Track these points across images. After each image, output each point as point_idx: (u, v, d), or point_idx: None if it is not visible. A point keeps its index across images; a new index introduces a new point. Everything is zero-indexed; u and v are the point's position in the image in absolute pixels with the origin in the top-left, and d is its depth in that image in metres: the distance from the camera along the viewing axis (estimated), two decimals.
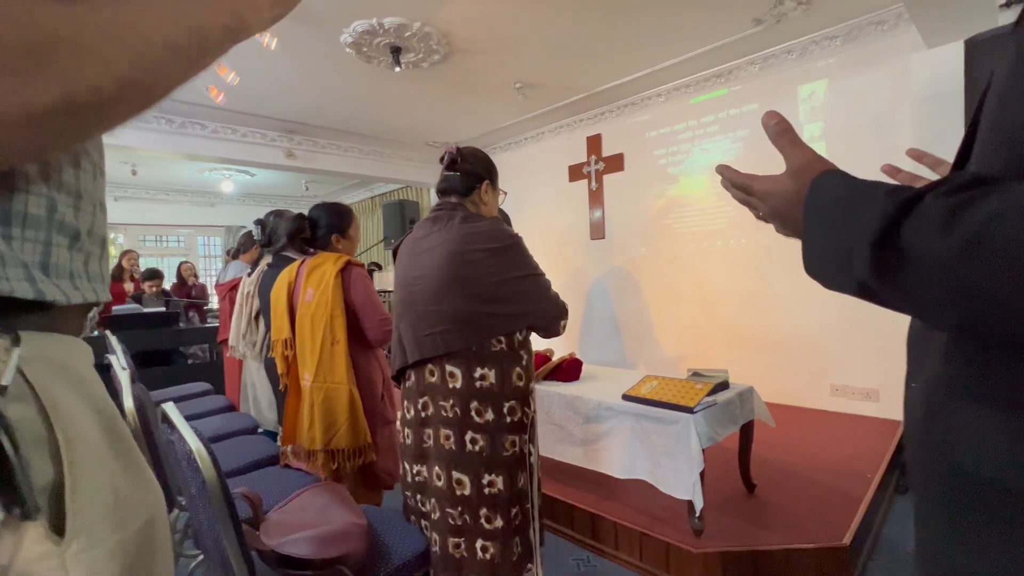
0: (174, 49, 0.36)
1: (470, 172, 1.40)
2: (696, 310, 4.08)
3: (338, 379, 1.70)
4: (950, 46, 2.67)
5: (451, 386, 1.28)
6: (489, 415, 1.27)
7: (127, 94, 0.34)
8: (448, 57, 3.35)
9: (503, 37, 3.14)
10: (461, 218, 1.33)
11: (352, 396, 1.70)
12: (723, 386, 2.11)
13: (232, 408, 2.90)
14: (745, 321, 3.78)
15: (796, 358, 3.52)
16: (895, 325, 2.87)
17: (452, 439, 1.28)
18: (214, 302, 6.41)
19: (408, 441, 1.38)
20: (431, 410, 1.32)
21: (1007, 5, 2.63)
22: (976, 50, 2.24)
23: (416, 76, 3.63)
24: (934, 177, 0.69)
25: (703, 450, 1.80)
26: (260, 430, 2.56)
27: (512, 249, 1.32)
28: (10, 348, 0.34)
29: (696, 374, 2.23)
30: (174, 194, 7.84)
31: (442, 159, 1.43)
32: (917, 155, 0.65)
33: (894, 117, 3.07)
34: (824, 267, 0.42)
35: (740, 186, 0.53)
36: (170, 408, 1.05)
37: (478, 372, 1.27)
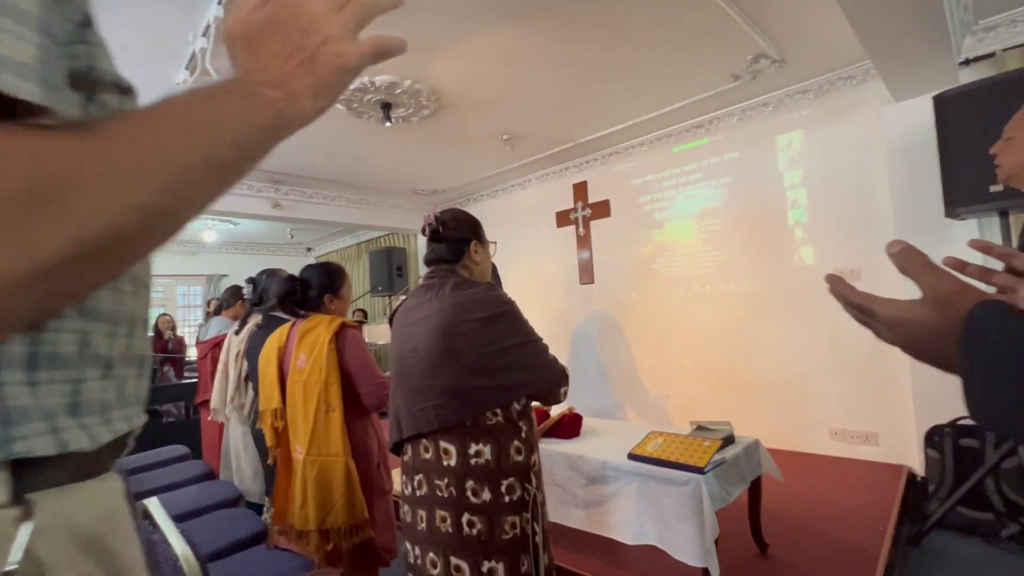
0: (213, 166, 0.32)
1: (456, 238, 1.35)
2: (687, 355, 4.06)
3: (334, 451, 1.60)
4: (918, 99, 2.82)
5: (445, 464, 1.20)
6: (486, 495, 1.18)
7: (155, 224, 0.30)
8: (437, 112, 3.42)
9: (491, 93, 3.22)
10: (452, 286, 1.29)
11: (349, 469, 1.59)
12: (729, 440, 2.06)
13: (211, 475, 2.72)
14: (737, 365, 3.77)
15: (792, 402, 3.49)
16: (890, 368, 2.86)
17: (449, 521, 1.18)
18: (192, 354, 6.18)
19: (408, 519, 1.29)
20: (425, 489, 1.23)
21: (966, 63, 2.81)
22: (946, 105, 2.36)
23: (406, 129, 3.68)
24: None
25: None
26: (243, 501, 2.40)
27: (506, 316, 1.26)
28: (19, 522, 0.30)
29: (700, 428, 2.17)
30: None
31: (423, 231, 1.38)
32: (984, 247, 0.60)
33: (869, 165, 3.19)
34: (1013, 418, 0.37)
35: (858, 307, 0.47)
36: (154, 505, 0.95)
37: (473, 448, 1.19)
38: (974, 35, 2.76)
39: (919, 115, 2.76)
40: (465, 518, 1.17)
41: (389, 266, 5.48)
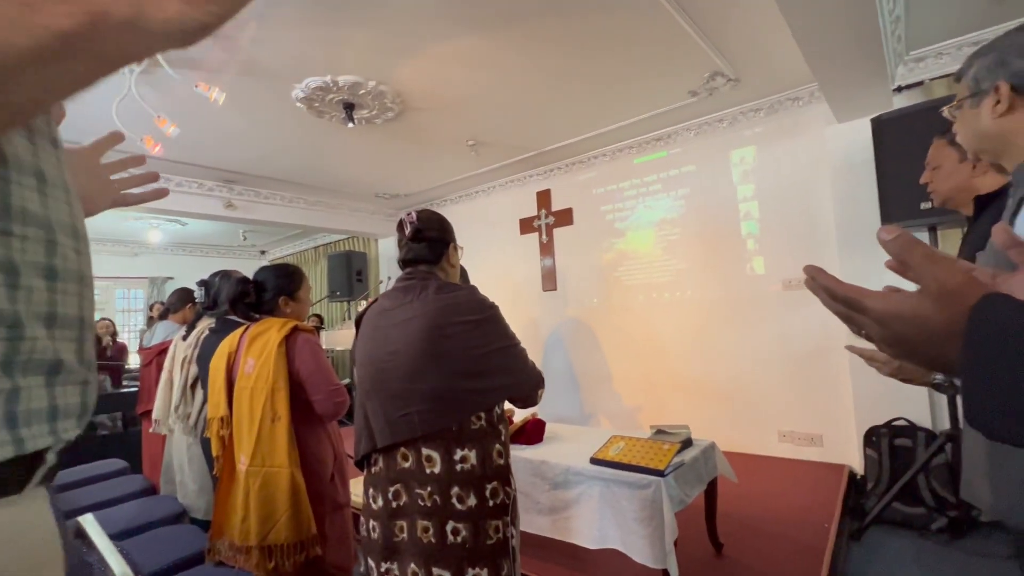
0: None
1: (436, 239, 1.34)
2: (649, 360, 4.16)
3: (278, 462, 1.52)
4: (858, 121, 3.03)
5: (429, 471, 1.17)
6: (471, 500, 1.16)
7: None
8: (402, 115, 3.38)
9: (457, 97, 3.21)
10: (436, 287, 1.26)
11: (295, 482, 1.52)
12: (687, 443, 2.12)
13: (152, 491, 2.55)
14: (695, 371, 3.89)
15: (745, 406, 3.63)
16: (833, 373, 3.02)
17: (432, 531, 1.15)
18: (134, 361, 5.78)
19: (375, 535, 1.23)
20: (404, 499, 1.19)
21: (899, 90, 3.04)
22: (882, 127, 2.55)
23: (369, 131, 3.61)
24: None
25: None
26: (186, 517, 2.26)
27: (492, 319, 1.26)
28: None
29: (660, 431, 2.22)
30: (89, 243, 7.18)
31: (400, 227, 1.35)
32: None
33: (814, 181, 3.39)
34: (1013, 420, 0.33)
35: (845, 300, 0.42)
36: (89, 522, 0.87)
37: (458, 454, 1.17)
38: (906, 65, 2.99)
39: (859, 136, 2.96)
40: (450, 526, 1.15)
41: (348, 271, 5.35)
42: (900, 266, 0.41)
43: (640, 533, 1.81)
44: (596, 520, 1.93)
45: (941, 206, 1.46)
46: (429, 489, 1.16)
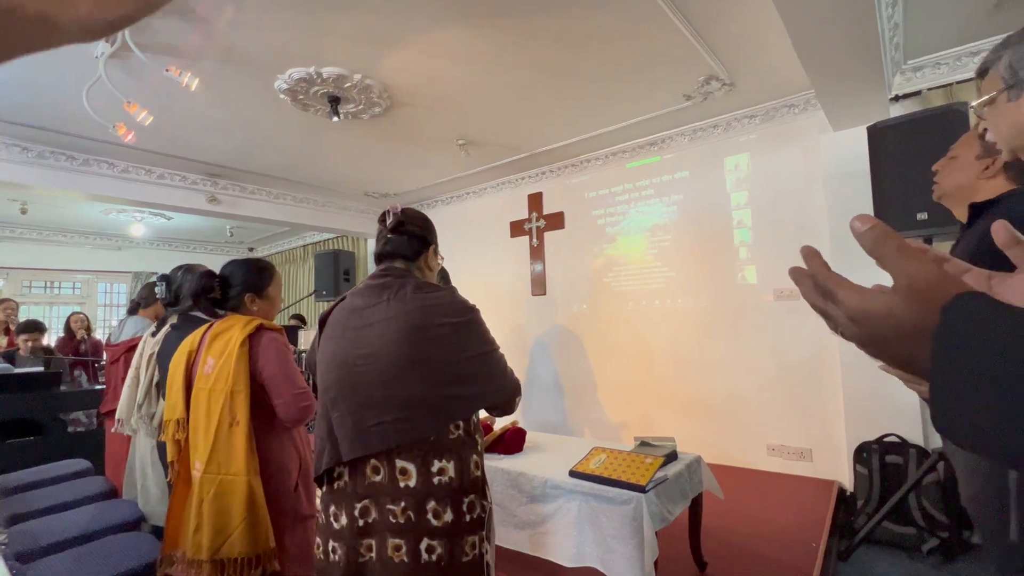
0: None
1: (417, 236, 1.28)
2: (637, 370, 4.08)
3: (235, 469, 1.42)
4: (853, 130, 2.97)
5: (403, 485, 1.08)
6: (448, 515, 1.07)
7: None
8: (389, 110, 3.29)
9: (446, 94, 3.13)
10: (415, 287, 1.18)
11: (252, 491, 1.42)
12: (672, 457, 2.03)
13: (113, 494, 2.43)
14: (684, 382, 3.81)
15: (734, 418, 3.56)
16: (824, 386, 2.95)
17: (404, 549, 1.06)
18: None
19: (335, 556, 1.12)
20: (374, 515, 1.09)
21: (895, 99, 2.99)
22: (878, 136, 2.48)
23: (356, 127, 3.52)
24: None
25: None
26: (145, 524, 2.14)
27: (473, 323, 1.19)
28: None
29: (644, 444, 2.14)
30: (72, 236, 7.04)
31: (382, 219, 1.28)
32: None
33: (808, 189, 3.33)
34: (979, 427, 0.30)
35: (823, 289, 0.39)
36: None
37: (436, 466, 1.08)
38: (903, 74, 2.94)
39: (854, 145, 2.90)
40: (424, 544, 1.06)
41: (335, 269, 5.24)
42: (875, 260, 0.38)
43: (619, 552, 1.72)
44: (574, 536, 1.83)
45: (937, 199, 1.37)
46: (403, 504, 1.07)
